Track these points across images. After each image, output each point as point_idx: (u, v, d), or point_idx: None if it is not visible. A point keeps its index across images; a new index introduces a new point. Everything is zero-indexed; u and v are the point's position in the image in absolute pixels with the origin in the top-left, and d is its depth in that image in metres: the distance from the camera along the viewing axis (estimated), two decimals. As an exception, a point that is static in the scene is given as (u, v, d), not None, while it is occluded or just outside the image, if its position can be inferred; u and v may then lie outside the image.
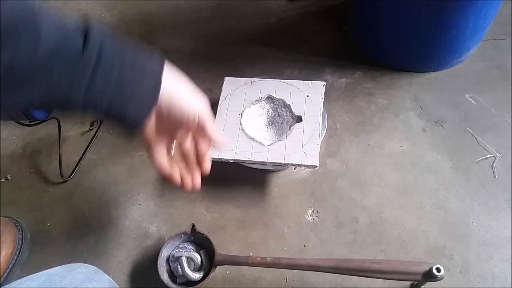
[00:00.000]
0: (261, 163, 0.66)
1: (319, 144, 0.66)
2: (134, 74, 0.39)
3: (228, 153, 0.67)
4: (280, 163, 0.65)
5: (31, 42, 0.31)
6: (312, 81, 0.75)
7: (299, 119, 0.71)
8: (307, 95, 0.73)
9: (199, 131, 0.48)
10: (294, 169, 0.75)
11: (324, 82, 0.74)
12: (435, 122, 0.80)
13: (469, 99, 0.83)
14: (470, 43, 0.85)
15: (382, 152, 0.77)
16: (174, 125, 0.46)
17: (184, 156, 0.52)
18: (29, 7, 0.31)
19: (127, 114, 0.40)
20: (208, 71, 0.93)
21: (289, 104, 0.73)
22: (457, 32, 0.78)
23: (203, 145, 0.52)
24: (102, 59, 0.36)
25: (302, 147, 0.66)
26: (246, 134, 0.69)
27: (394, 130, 0.80)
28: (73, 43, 0.35)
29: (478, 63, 0.89)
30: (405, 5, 0.77)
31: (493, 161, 0.73)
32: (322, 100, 0.72)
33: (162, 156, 0.49)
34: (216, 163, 0.67)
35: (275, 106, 0.75)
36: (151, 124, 0.44)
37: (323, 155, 0.77)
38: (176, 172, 0.50)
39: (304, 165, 0.64)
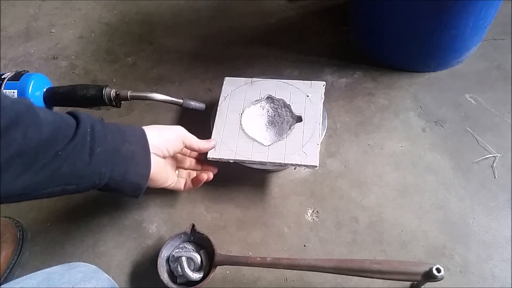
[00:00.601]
0: (261, 163, 0.66)
1: (319, 144, 0.66)
2: (125, 140, 0.49)
3: (228, 153, 0.67)
4: (280, 163, 0.65)
5: (35, 125, 0.39)
6: (312, 81, 0.75)
7: (299, 119, 0.70)
8: (307, 95, 0.73)
9: (189, 147, 0.62)
10: (294, 169, 0.75)
11: (324, 82, 0.74)
12: (435, 122, 0.80)
13: (469, 99, 0.83)
14: (470, 43, 0.85)
15: (382, 152, 0.77)
16: (174, 153, 0.60)
17: (188, 166, 0.69)
18: (27, 104, 0.40)
19: (130, 178, 0.50)
20: (208, 71, 0.93)
21: (289, 104, 0.73)
22: (457, 32, 0.78)
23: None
24: (96, 132, 0.45)
25: (302, 147, 0.66)
26: (246, 134, 0.69)
27: (394, 130, 0.80)
28: (68, 121, 0.44)
29: (478, 63, 0.89)
30: (405, 5, 0.77)
31: (493, 161, 0.73)
32: (322, 100, 0.72)
33: (182, 182, 0.65)
34: (216, 163, 0.67)
35: (275, 106, 0.75)
36: (163, 167, 0.57)
37: (323, 155, 0.77)
38: (189, 180, 0.66)
39: (304, 165, 0.64)
